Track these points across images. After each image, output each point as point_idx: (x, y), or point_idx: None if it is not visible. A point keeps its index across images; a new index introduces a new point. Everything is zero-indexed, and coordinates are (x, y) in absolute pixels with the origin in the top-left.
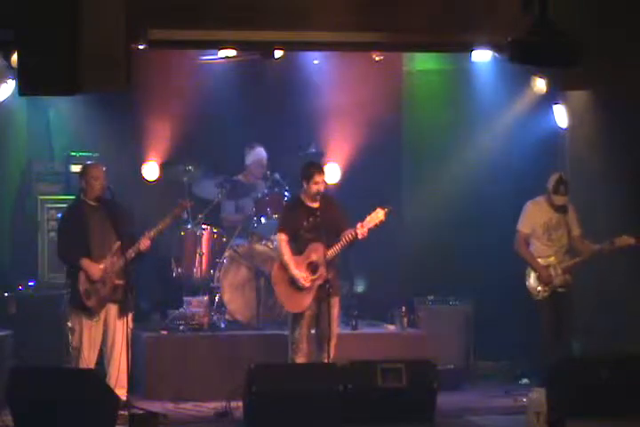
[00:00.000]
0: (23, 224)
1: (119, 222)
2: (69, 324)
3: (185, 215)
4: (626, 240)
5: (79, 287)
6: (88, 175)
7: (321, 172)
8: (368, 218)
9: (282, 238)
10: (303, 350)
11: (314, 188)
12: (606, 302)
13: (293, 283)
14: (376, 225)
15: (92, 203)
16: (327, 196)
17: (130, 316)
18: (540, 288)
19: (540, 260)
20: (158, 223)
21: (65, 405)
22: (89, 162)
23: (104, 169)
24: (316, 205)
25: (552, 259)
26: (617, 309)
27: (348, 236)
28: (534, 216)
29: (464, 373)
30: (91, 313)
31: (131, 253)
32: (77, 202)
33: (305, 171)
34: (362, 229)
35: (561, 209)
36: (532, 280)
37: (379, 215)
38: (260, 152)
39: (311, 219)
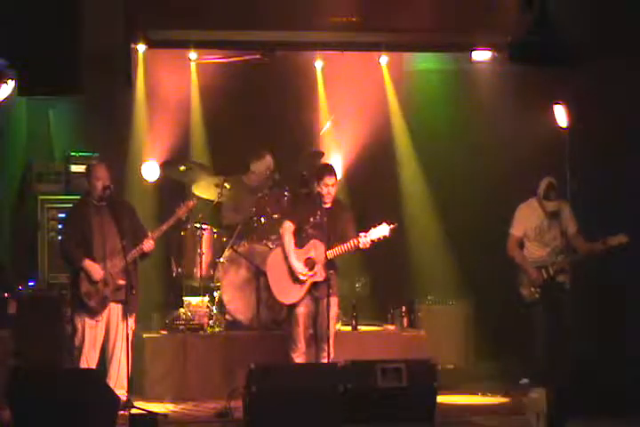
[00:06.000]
0: (23, 224)
1: (123, 223)
2: (71, 323)
3: (187, 216)
4: (620, 239)
5: (81, 287)
6: (91, 175)
7: (332, 175)
8: (372, 230)
9: (287, 227)
10: (301, 349)
11: (324, 190)
12: (606, 301)
13: (287, 272)
14: (379, 239)
15: (97, 203)
16: (340, 203)
17: (133, 317)
18: (532, 290)
19: (533, 262)
20: (162, 224)
21: (65, 405)
22: (94, 162)
23: (107, 168)
24: (327, 205)
25: (545, 260)
26: (616, 308)
27: (349, 243)
28: (526, 219)
29: (464, 373)
30: (92, 313)
31: (134, 253)
32: (81, 202)
33: (317, 172)
34: (365, 239)
35: (552, 215)
36: (523, 283)
37: (384, 230)
38: (268, 161)
39: (319, 217)
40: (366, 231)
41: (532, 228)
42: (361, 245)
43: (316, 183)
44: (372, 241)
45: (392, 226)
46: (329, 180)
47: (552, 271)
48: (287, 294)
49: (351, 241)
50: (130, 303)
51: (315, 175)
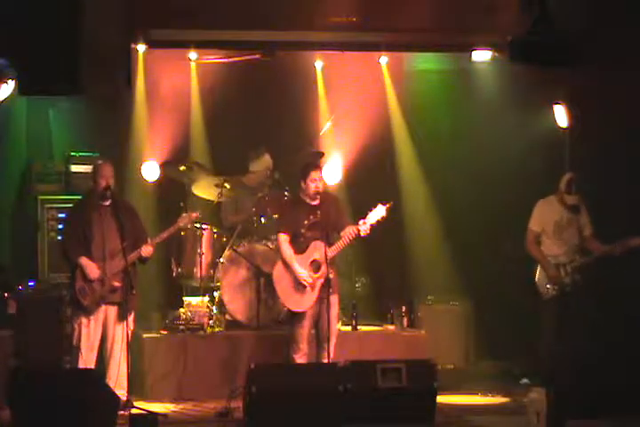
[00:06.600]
0: (23, 224)
1: (125, 224)
2: (70, 323)
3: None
4: (636, 241)
5: (76, 285)
6: (97, 174)
7: (317, 169)
8: (370, 214)
9: (282, 239)
10: (303, 349)
11: (311, 186)
12: (608, 301)
13: (295, 282)
14: (378, 221)
15: (99, 202)
16: (328, 194)
17: (131, 317)
18: (548, 287)
19: (550, 258)
20: (163, 232)
21: (65, 405)
22: (99, 161)
23: (112, 168)
24: (316, 202)
25: (562, 258)
26: (617, 307)
27: (349, 233)
28: (545, 215)
29: (464, 373)
30: (86, 312)
31: (132, 257)
32: (83, 201)
33: (302, 170)
34: (364, 226)
35: (573, 208)
36: (541, 279)
37: (380, 211)
38: (267, 160)
39: (312, 217)
40: (364, 218)
41: (550, 223)
42: (362, 233)
43: (302, 182)
44: (371, 225)
45: (387, 205)
46: (315, 174)
47: (570, 269)
48: (300, 302)
49: (350, 231)
50: (128, 303)
51: (301, 173)
